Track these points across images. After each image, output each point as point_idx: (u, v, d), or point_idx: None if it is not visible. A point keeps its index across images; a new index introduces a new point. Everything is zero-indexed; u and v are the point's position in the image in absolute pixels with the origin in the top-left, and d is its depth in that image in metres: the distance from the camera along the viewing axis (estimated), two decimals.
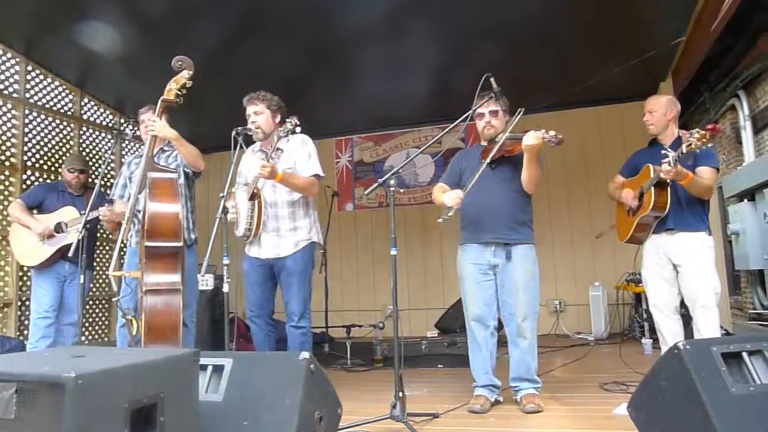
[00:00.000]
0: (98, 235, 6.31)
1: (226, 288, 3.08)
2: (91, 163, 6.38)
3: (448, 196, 3.13)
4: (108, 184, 3.99)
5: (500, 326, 3.30)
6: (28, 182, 5.56)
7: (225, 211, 3.13)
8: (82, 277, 3.60)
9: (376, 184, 2.96)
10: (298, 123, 3.15)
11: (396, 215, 2.93)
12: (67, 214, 4.35)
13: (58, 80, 5.98)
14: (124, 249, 3.77)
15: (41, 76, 5.81)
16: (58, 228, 4.29)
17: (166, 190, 3.03)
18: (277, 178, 3.24)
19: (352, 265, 7.45)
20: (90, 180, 4.79)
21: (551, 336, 6.40)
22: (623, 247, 3.58)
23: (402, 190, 7.29)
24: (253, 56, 5.28)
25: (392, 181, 2.88)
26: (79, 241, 3.48)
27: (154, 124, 3.27)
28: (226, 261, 3.07)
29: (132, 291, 3.31)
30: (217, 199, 3.15)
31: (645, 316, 5.43)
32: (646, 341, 5.04)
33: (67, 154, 6.13)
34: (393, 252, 2.85)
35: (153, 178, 3.07)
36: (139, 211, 3.31)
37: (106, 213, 3.80)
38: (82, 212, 4.14)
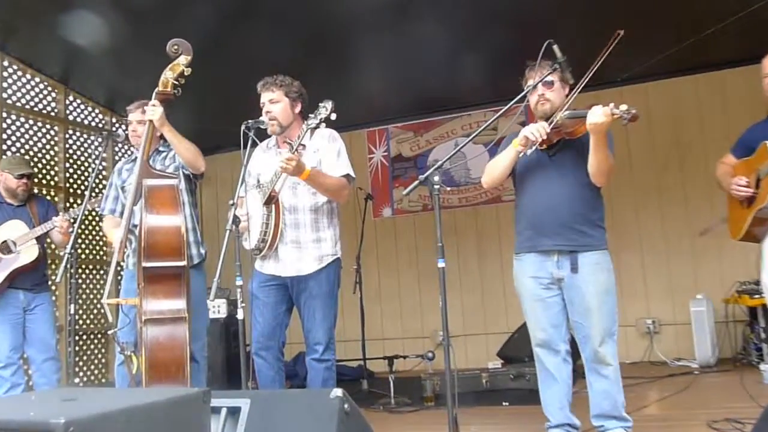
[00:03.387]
0: (83, 256, 6.50)
1: (240, 315, 3.13)
2: (79, 172, 6.59)
3: (526, 129, 3.09)
4: (98, 195, 4.07)
5: (575, 353, 3.26)
6: None
7: (236, 221, 3.16)
8: (72, 307, 3.66)
9: (416, 182, 2.95)
10: (333, 109, 3.12)
11: (444, 220, 2.93)
12: (13, 229, 4.16)
13: (38, 76, 6.19)
14: (121, 273, 3.87)
15: (19, 72, 6.02)
16: (5, 248, 4.12)
17: (165, 199, 3.10)
18: (303, 176, 3.21)
19: (393, 283, 7.46)
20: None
21: (644, 364, 6.28)
22: (732, 250, 3.48)
23: (450, 189, 7.25)
24: (251, 42, 5.45)
25: (436, 178, 2.86)
26: (66, 261, 3.43)
27: (154, 108, 3.32)
28: (239, 282, 3.12)
29: (131, 321, 3.39)
30: (225, 209, 3.19)
31: (764, 335, 5.28)
32: (765, 367, 4.89)
33: (52, 162, 6.33)
34: (441, 264, 2.84)
35: (149, 185, 3.14)
36: (135, 226, 3.38)
37: (63, 223, 3.89)
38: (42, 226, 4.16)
